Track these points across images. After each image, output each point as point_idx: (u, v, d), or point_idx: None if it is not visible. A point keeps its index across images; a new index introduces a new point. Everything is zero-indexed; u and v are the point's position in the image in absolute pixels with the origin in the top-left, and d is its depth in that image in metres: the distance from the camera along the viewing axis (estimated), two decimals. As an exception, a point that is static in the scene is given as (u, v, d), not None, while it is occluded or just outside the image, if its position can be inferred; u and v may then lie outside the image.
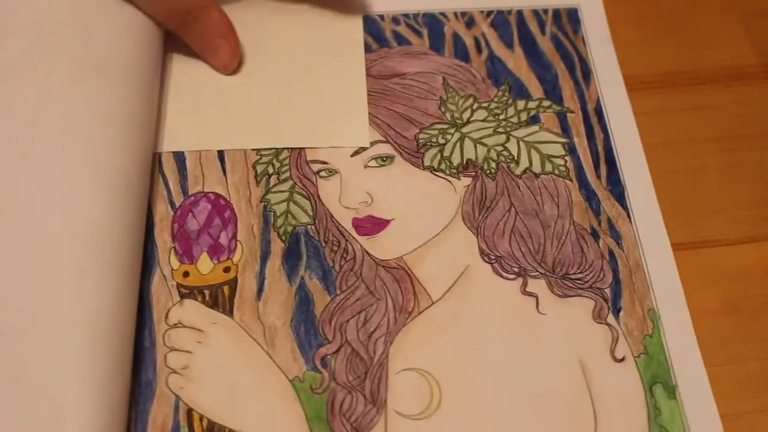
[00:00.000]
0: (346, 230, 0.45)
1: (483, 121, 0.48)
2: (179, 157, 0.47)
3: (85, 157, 0.42)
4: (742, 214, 0.47)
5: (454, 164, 0.47)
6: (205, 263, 0.44)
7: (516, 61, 0.51)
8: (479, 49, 0.51)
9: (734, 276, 0.45)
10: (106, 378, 0.38)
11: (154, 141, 0.47)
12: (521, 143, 0.48)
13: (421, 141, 0.47)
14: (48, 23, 0.45)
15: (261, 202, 0.46)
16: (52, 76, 0.44)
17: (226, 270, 0.44)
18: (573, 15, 0.53)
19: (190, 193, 0.46)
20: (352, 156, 0.47)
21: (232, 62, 0.49)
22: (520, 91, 0.50)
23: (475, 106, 0.49)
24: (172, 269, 0.44)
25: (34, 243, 0.39)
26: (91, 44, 0.45)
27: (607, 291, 0.44)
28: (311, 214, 0.46)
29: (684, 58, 0.52)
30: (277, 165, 0.47)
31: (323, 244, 0.45)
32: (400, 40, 0.52)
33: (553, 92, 0.50)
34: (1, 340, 0.37)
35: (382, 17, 0.53)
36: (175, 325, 0.43)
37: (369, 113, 0.48)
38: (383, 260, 0.44)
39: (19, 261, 0.39)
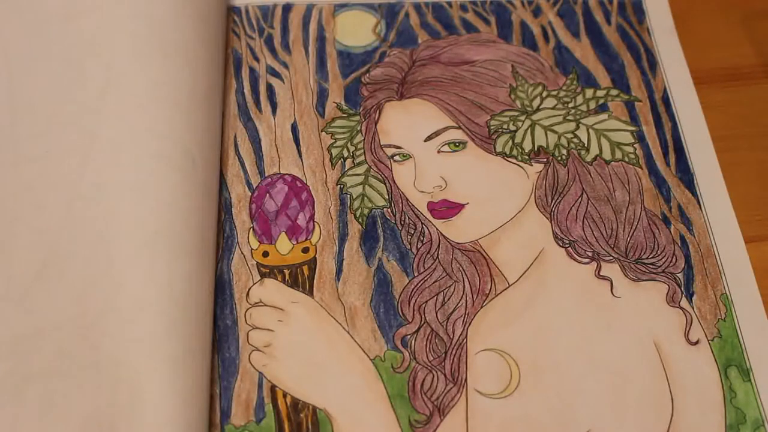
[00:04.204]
0: (421, 213, 0.46)
1: (552, 108, 0.49)
2: (255, 139, 0.48)
3: (150, 138, 0.42)
4: (741, 214, 0.47)
5: (526, 150, 0.48)
6: (284, 243, 0.45)
7: (583, 51, 0.52)
8: (546, 38, 0.52)
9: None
10: (183, 356, 0.39)
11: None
12: (591, 131, 0.48)
13: (492, 127, 0.48)
14: (109, 5, 0.46)
15: (337, 184, 0.47)
16: (116, 59, 0.44)
17: (305, 250, 0.45)
18: (637, 5, 0.54)
19: (266, 175, 0.47)
20: (425, 141, 0.47)
21: None
22: (587, 80, 0.50)
23: (544, 94, 0.50)
24: (252, 249, 0.45)
25: (104, 227, 0.40)
26: (154, 25, 0.45)
27: (680, 276, 0.45)
28: (387, 197, 0.46)
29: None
30: (352, 149, 0.48)
31: (400, 227, 0.46)
32: (469, 27, 0.52)
33: (620, 81, 0.51)
34: (78, 325, 0.38)
35: (449, 4, 0.53)
36: (256, 303, 0.43)
37: (441, 99, 0.49)
38: (459, 243, 0.45)
39: (90, 246, 0.39)
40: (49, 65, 0.43)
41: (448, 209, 0.46)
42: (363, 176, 0.47)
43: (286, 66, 0.51)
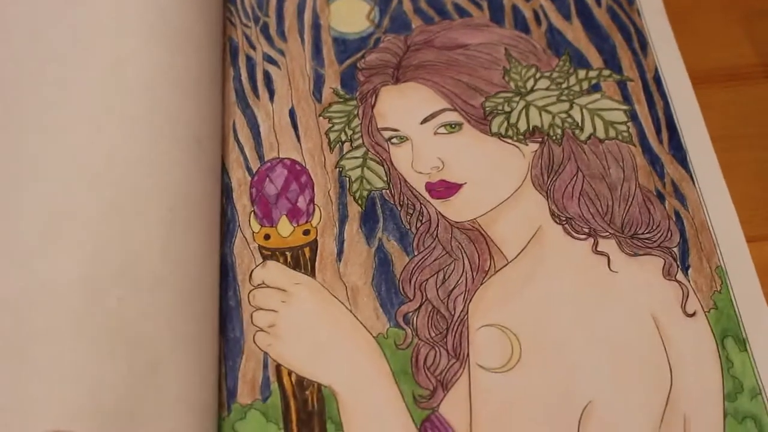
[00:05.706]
0: (420, 194, 0.46)
1: (546, 89, 0.50)
2: (253, 125, 0.48)
3: (160, 120, 0.42)
4: (742, 215, 0.47)
5: (521, 131, 0.48)
6: (285, 226, 0.45)
7: (574, 33, 0.52)
8: (538, 21, 0.53)
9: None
10: (197, 333, 0.39)
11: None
12: (584, 110, 0.49)
13: (487, 109, 0.49)
14: None
15: (336, 167, 0.47)
16: (125, 42, 0.43)
17: (306, 233, 0.45)
18: (627, -13, 0.55)
19: (266, 159, 0.47)
20: (421, 123, 0.48)
21: None
22: (580, 61, 0.51)
23: (537, 76, 0.50)
24: (253, 232, 0.45)
25: (116, 197, 0.39)
26: (163, 12, 0.45)
27: (675, 250, 0.45)
28: (385, 179, 0.47)
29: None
30: (350, 132, 0.48)
31: (399, 208, 0.46)
32: (461, 12, 0.53)
33: (612, 62, 0.51)
34: (88, 288, 0.37)
35: (442, -10, 0.54)
36: (259, 285, 0.44)
37: (436, 82, 0.49)
38: (457, 222, 0.46)
39: (103, 213, 0.38)
40: (57, 43, 0.43)
41: (446, 189, 0.47)
42: (361, 159, 0.48)
43: (282, 53, 0.51)
